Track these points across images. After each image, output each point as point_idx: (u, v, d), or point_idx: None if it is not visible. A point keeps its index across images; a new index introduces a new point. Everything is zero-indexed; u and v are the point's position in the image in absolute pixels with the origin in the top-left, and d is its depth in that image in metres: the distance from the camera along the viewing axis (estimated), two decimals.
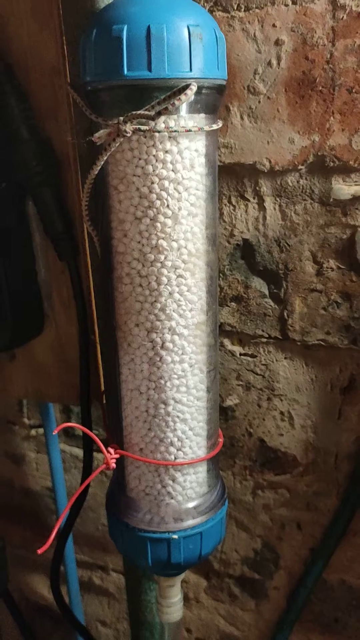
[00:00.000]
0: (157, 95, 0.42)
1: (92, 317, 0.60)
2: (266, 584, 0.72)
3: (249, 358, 0.64)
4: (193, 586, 0.77)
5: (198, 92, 0.42)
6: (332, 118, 0.53)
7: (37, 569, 0.88)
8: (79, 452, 0.79)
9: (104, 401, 0.62)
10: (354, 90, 0.51)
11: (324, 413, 0.62)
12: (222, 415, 0.66)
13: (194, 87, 0.40)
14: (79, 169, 0.55)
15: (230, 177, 0.58)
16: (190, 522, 0.53)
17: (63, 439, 0.79)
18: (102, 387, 0.62)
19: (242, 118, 0.56)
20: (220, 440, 0.55)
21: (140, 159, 0.44)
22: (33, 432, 0.82)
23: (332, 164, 0.54)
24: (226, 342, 0.64)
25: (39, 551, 0.47)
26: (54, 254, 0.58)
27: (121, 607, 0.85)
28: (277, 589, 0.71)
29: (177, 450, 0.51)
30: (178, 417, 0.50)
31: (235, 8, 0.53)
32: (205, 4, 0.54)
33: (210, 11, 0.54)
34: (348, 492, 0.63)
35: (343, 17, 0.50)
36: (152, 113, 0.41)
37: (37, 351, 0.64)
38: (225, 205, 0.59)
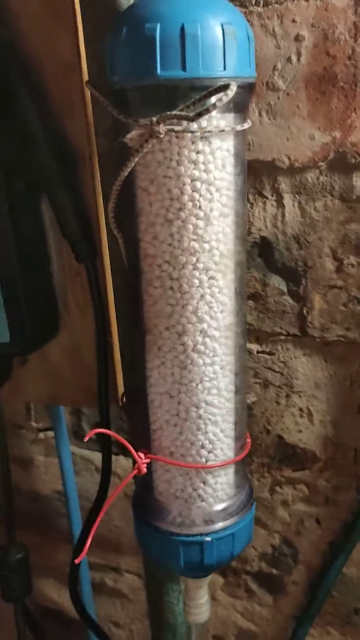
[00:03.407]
0: (191, 95, 0.41)
1: (110, 318, 0.59)
2: (284, 578, 0.72)
3: (266, 356, 0.64)
4: (209, 584, 0.76)
5: (234, 85, 0.41)
6: (354, 114, 0.52)
7: (47, 573, 0.88)
8: (90, 454, 0.78)
9: (123, 404, 0.61)
10: None
11: (343, 408, 0.62)
12: None
13: (234, 87, 0.39)
14: (98, 168, 0.54)
15: (248, 175, 0.57)
16: (221, 525, 0.53)
17: (72, 441, 0.78)
18: (121, 390, 0.62)
19: (260, 114, 0.55)
20: (248, 440, 0.55)
21: (172, 159, 0.43)
22: (41, 435, 0.81)
23: (353, 160, 0.54)
24: None
25: (76, 560, 0.46)
26: (69, 256, 0.57)
27: (135, 608, 0.85)
28: (296, 584, 0.72)
29: (208, 452, 0.51)
30: (209, 419, 0.50)
31: (254, 3, 0.52)
32: None
33: None
34: None
35: None
36: (191, 114, 0.40)
37: (50, 354, 0.63)
38: None
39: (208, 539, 0.52)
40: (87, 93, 0.51)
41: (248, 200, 0.58)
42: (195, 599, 0.58)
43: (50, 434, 0.79)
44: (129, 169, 0.44)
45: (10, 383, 0.65)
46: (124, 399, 0.61)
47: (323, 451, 0.65)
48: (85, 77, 0.51)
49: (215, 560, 0.53)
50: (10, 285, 0.56)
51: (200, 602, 0.58)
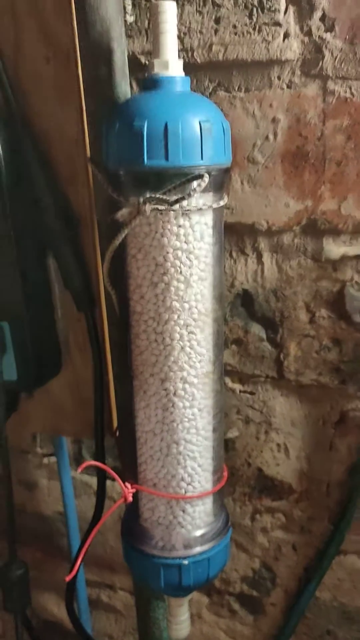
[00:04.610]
0: (173, 180, 0.48)
1: (106, 360, 0.66)
2: (264, 600, 0.78)
3: (248, 395, 0.70)
4: (195, 603, 0.82)
5: (207, 175, 0.48)
6: (323, 186, 0.59)
7: (48, 588, 0.94)
8: (88, 479, 0.85)
9: (117, 436, 0.68)
10: (342, 164, 0.58)
11: (316, 445, 0.68)
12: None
13: (206, 178, 0.46)
14: (97, 230, 0.61)
15: (232, 235, 0.64)
16: (198, 549, 0.59)
17: (74, 466, 0.85)
18: (115, 423, 0.68)
19: (242, 184, 0.62)
20: (225, 474, 0.61)
21: (156, 232, 0.50)
22: (45, 460, 0.88)
23: (323, 226, 0.60)
24: (227, 380, 0.70)
25: (67, 578, 0.53)
26: (71, 303, 0.64)
27: (127, 622, 0.91)
28: (274, 605, 0.77)
29: (187, 484, 0.57)
30: (188, 455, 0.56)
31: (237, 89, 0.59)
32: (210, 84, 0.60)
33: (214, 91, 0.60)
34: (339, 517, 0.69)
35: (332, 101, 0.57)
36: (170, 199, 0.47)
37: (54, 389, 0.70)
38: (227, 259, 0.65)
39: (185, 562, 0.58)
40: (89, 165, 0.58)
41: (232, 257, 0.65)
42: (176, 615, 0.64)
43: (54, 459, 0.86)
44: (120, 240, 0.51)
45: (18, 415, 0.72)
46: (117, 432, 0.68)
47: (298, 484, 0.71)
48: (88, 151, 0.58)
49: (192, 581, 0.58)
50: (18, 330, 0.63)
51: (181, 619, 0.64)
